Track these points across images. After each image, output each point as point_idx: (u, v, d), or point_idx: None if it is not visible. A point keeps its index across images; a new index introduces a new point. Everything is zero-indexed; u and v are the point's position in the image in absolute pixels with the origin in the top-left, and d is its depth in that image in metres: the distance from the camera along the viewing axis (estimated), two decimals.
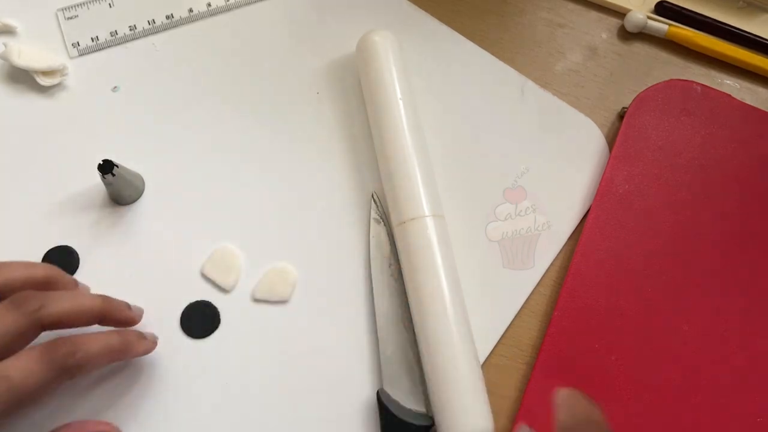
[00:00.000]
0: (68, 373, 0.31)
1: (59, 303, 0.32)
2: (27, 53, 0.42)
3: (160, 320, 0.39)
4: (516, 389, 0.40)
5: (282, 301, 0.40)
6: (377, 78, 0.42)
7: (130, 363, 0.39)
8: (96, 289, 0.40)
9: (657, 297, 0.41)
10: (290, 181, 0.43)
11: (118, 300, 0.36)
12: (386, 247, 0.41)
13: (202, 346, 0.39)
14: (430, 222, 0.39)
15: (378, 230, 0.41)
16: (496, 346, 0.41)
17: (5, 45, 0.42)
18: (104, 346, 0.33)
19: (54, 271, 0.35)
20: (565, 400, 0.29)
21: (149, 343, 0.37)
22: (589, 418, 0.28)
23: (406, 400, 0.38)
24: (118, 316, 0.36)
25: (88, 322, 0.34)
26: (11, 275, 0.33)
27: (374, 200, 0.42)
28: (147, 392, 0.38)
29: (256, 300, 0.40)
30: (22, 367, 0.30)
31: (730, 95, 0.45)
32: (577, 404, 0.29)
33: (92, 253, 0.40)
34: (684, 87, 0.45)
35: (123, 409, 0.38)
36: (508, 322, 0.41)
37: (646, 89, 0.45)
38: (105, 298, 0.35)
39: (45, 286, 0.34)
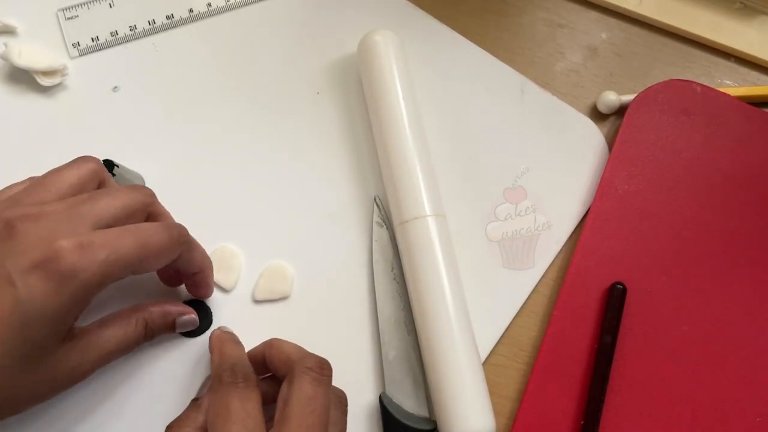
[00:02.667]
0: (184, 244, 0.34)
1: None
2: (27, 53, 0.42)
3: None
4: (516, 389, 0.40)
5: (283, 298, 0.40)
6: (379, 78, 0.41)
7: (126, 362, 0.39)
8: None
9: (657, 297, 0.41)
10: (291, 181, 0.43)
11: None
12: (389, 251, 0.41)
13: (203, 345, 0.39)
14: (431, 221, 0.39)
15: (381, 234, 0.41)
16: (495, 346, 0.41)
17: (6, 45, 0.42)
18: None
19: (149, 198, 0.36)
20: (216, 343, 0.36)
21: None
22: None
23: (408, 404, 0.38)
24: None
25: None
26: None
27: (377, 204, 0.42)
28: (146, 391, 0.38)
29: (257, 300, 0.40)
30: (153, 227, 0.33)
31: (730, 95, 0.45)
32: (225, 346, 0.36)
33: None
34: (684, 87, 0.45)
35: (115, 407, 0.38)
36: (508, 322, 0.41)
37: (646, 89, 0.45)
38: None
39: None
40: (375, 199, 0.42)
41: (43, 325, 0.29)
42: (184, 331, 0.38)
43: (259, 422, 0.31)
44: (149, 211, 0.35)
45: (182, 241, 0.34)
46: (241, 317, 0.40)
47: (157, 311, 0.36)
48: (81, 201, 0.32)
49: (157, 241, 0.32)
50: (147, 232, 0.32)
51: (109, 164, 0.37)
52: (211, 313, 0.40)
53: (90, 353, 0.33)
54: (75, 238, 0.29)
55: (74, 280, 0.29)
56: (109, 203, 0.32)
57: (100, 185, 0.35)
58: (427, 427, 0.37)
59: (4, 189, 0.34)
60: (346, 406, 0.36)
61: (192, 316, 0.38)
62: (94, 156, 0.35)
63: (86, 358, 0.33)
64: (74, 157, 0.42)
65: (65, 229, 0.30)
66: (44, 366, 0.31)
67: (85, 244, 0.29)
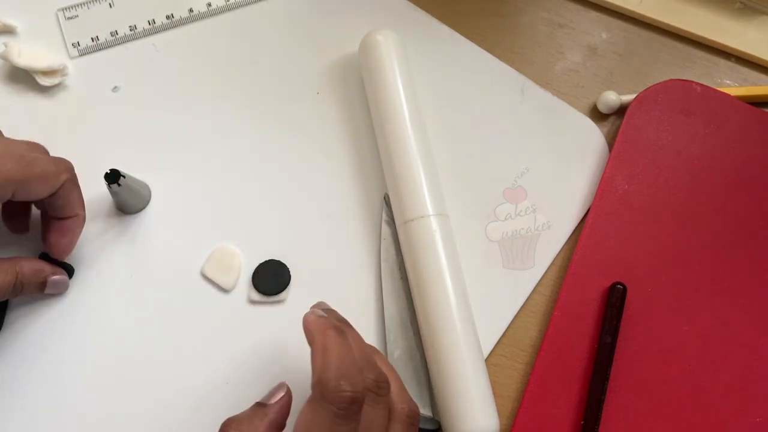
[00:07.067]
0: (69, 174, 0.36)
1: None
2: (27, 53, 0.42)
3: (163, 323, 0.40)
4: (516, 389, 0.40)
5: (279, 301, 0.40)
6: (381, 77, 0.41)
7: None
8: (95, 293, 0.40)
9: (657, 297, 0.41)
10: (292, 181, 0.43)
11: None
12: (396, 250, 0.41)
13: (206, 346, 0.39)
14: (434, 221, 0.39)
15: (389, 232, 0.41)
16: (495, 346, 0.41)
17: (5, 45, 0.42)
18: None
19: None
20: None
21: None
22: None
23: None
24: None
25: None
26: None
27: (386, 202, 0.42)
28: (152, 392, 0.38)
29: (254, 302, 0.40)
30: None
31: (730, 95, 0.45)
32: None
33: (94, 258, 0.40)
34: (684, 87, 0.45)
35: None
36: (508, 322, 0.41)
37: (646, 89, 0.45)
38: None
39: None
40: (384, 198, 0.42)
41: None
42: (53, 292, 0.38)
43: None
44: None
45: (69, 168, 0.36)
46: (242, 318, 0.40)
47: (29, 266, 0.36)
48: None
49: (43, 165, 0.34)
50: (32, 155, 0.34)
51: (116, 174, 0.37)
52: (73, 272, 0.40)
53: None
54: None
55: None
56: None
57: None
58: (432, 426, 0.37)
59: None
60: (416, 423, 0.32)
61: (64, 277, 0.38)
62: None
63: None
64: (74, 158, 0.42)
65: None
66: None
67: None
